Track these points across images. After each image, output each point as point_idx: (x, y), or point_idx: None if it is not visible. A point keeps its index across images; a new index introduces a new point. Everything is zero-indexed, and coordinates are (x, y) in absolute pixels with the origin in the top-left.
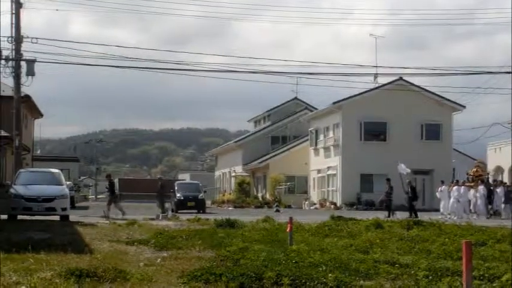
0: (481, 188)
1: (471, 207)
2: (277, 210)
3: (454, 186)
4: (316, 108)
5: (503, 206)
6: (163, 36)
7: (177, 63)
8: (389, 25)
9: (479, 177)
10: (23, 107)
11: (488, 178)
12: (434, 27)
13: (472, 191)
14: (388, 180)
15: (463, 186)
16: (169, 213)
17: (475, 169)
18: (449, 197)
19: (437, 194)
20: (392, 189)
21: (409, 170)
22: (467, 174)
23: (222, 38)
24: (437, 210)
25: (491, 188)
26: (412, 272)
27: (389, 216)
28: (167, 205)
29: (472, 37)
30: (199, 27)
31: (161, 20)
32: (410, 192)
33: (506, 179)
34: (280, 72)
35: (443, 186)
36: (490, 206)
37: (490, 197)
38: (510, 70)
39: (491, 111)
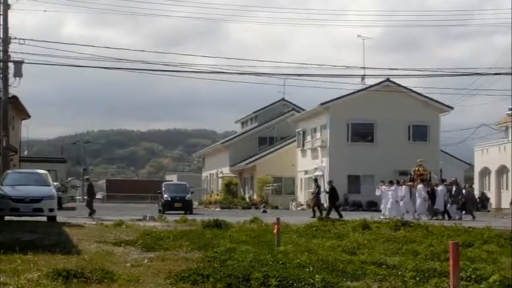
0: (420, 187)
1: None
2: (265, 211)
3: (392, 185)
4: (303, 109)
5: (453, 206)
6: (153, 37)
7: (165, 65)
8: (380, 27)
9: (420, 176)
10: (10, 108)
11: (429, 177)
12: (426, 28)
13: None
14: (316, 180)
15: (404, 186)
16: (95, 215)
17: (416, 168)
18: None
19: (377, 193)
20: (320, 188)
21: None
22: (409, 173)
23: (212, 40)
24: None
25: (434, 187)
26: (399, 273)
27: (322, 216)
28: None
29: (464, 38)
30: (189, 28)
31: (151, 21)
32: (330, 192)
33: (493, 180)
34: (267, 73)
35: (383, 186)
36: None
37: (432, 196)
38: (499, 72)
39: (478, 112)
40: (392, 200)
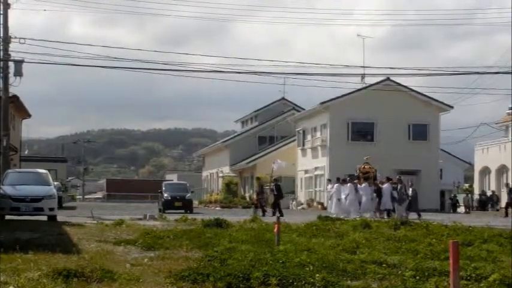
0: (365, 185)
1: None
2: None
3: (335, 184)
4: (303, 109)
5: (400, 203)
6: (154, 36)
7: (166, 64)
8: (384, 26)
9: (365, 174)
10: (10, 107)
11: (376, 175)
12: (431, 27)
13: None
14: (258, 178)
15: (348, 184)
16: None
17: (362, 165)
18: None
19: (326, 193)
20: (263, 187)
21: (281, 166)
22: (356, 171)
23: (213, 39)
24: (424, 210)
25: (379, 185)
26: (399, 272)
27: (263, 215)
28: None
29: (467, 38)
30: (191, 28)
31: (153, 20)
32: (275, 190)
33: (493, 179)
34: (268, 72)
35: (329, 185)
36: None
37: (378, 194)
38: (499, 71)
39: (478, 111)
40: (335, 198)
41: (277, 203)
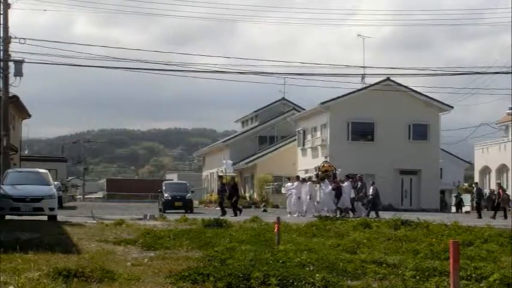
0: (325, 183)
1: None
2: (265, 210)
3: (294, 182)
4: (303, 109)
5: (359, 202)
6: (155, 37)
7: (166, 64)
8: (387, 26)
9: (325, 173)
10: (10, 107)
11: (335, 173)
12: (434, 27)
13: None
14: (220, 177)
15: (309, 182)
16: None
17: (322, 164)
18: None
19: (283, 191)
20: (225, 186)
21: (231, 170)
22: (316, 169)
23: (216, 40)
24: (424, 210)
25: (339, 184)
26: (400, 272)
27: (223, 215)
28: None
29: (469, 38)
30: (192, 28)
31: (154, 20)
32: (232, 189)
33: (493, 179)
34: (269, 72)
35: (289, 183)
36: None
37: (338, 193)
38: (498, 71)
39: (479, 111)
40: (295, 197)
41: (234, 202)
